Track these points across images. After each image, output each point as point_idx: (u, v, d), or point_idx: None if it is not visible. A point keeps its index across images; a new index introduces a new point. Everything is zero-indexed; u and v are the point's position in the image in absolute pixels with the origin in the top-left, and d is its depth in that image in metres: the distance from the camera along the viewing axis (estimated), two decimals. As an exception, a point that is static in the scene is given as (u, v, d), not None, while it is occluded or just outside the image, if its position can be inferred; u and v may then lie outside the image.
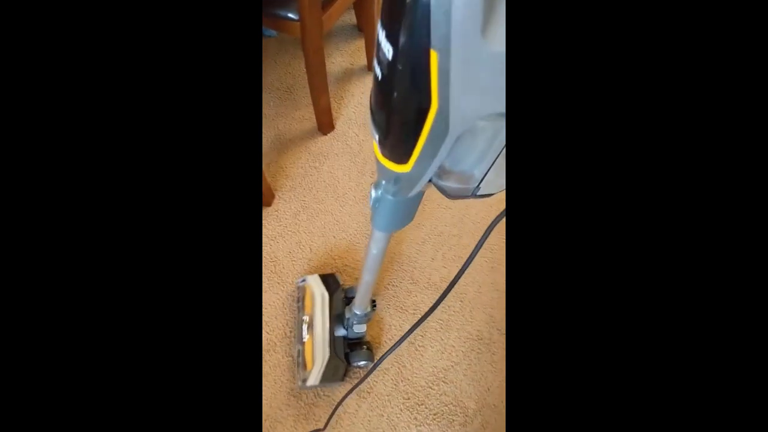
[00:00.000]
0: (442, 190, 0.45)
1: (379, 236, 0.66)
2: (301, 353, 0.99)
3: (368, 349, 1.02)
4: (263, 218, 1.27)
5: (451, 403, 1.01)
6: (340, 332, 1.02)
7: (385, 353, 0.70)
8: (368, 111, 0.41)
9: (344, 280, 1.15)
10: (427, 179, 0.42)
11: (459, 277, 0.50)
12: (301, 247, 1.23)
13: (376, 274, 0.80)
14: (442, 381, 1.03)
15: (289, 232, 1.25)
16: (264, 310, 1.11)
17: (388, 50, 0.31)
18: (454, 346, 1.08)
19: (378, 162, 0.47)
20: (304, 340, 1.00)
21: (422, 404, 1.00)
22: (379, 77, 0.34)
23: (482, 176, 0.40)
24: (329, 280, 1.10)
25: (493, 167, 0.39)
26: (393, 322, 1.11)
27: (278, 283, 1.16)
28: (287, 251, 1.22)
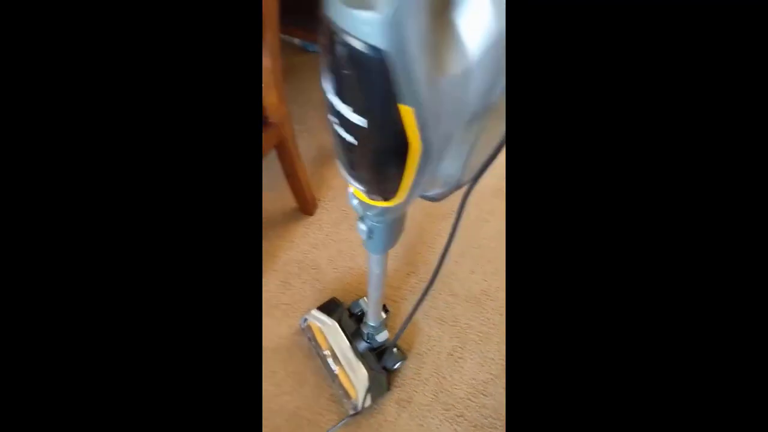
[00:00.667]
0: (430, 199, 0.47)
1: (378, 258, 0.68)
2: (339, 386, 0.98)
3: (398, 349, 1.02)
4: (306, 227, 1.31)
5: (491, 416, 0.99)
6: (363, 346, 1.01)
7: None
8: (340, 168, 0.42)
9: (346, 297, 1.15)
10: (415, 195, 0.43)
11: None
12: (342, 254, 1.25)
13: (382, 289, 0.82)
14: (482, 393, 1.02)
15: (331, 241, 1.27)
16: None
17: (360, 121, 0.31)
18: (494, 359, 1.07)
19: (363, 203, 0.48)
20: (336, 372, 0.99)
21: (462, 416, 1.00)
22: (355, 143, 0.34)
23: (462, 171, 0.41)
24: (330, 307, 1.08)
25: (470, 161, 0.41)
26: (432, 333, 1.11)
27: (320, 290, 1.18)
28: (328, 259, 1.24)
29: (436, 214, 1.34)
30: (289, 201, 1.33)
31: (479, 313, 1.15)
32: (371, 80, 0.28)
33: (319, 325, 1.05)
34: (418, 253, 1.26)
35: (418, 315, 1.14)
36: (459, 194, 0.47)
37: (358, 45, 0.26)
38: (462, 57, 0.29)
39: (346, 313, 1.08)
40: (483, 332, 1.11)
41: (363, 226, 0.55)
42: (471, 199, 0.43)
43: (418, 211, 1.34)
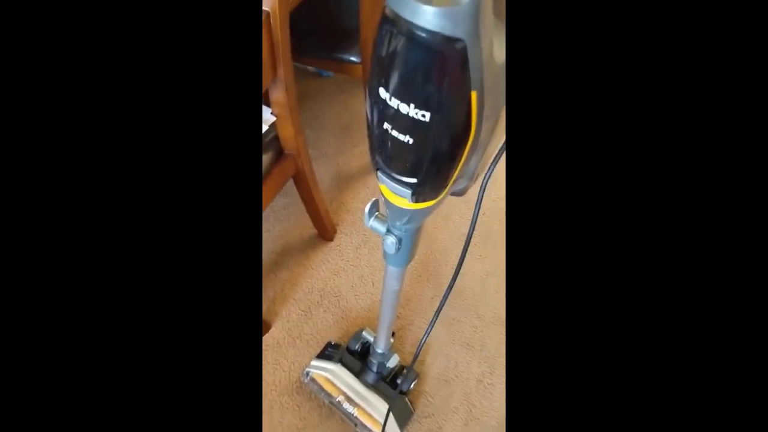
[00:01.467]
0: (456, 194, 0.47)
1: (398, 272, 0.68)
2: (363, 426, 0.94)
3: (406, 369, 0.99)
4: (326, 253, 1.29)
5: (526, 447, 0.95)
6: (373, 378, 0.98)
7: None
8: (384, 181, 0.43)
9: (371, 325, 1.11)
10: (460, 185, 0.46)
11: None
12: (363, 281, 1.23)
13: (394, 311, 0.80)
14: (515, 422, 0.98)
15: (351, 266, 1.26)
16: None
17: (423, 115, 0.33)
18: (525, 385, 1.02)
19: (394, 211, 0.50)
20: (355, 414, 0.95)
21: (495, 447, 0.95)
22: (412, 141, 0.35)
23: (480, 161, 0.42)
24: (328, 352, 1.05)
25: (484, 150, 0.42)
26: (460, 359, 1.08)
27: (342, 318, 1.16)
28: (350, 285, 1.22)
29: (458, 233, 1.32)
30: (308, 227, 1.32)
31: (507, 336, 1.11)
32: (448, 71, 0.30)
33: (323, 374, 1.01)
34: (443, 275, 1.24)
35: (444, 341, 1.11)
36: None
37: (437, 39, 0.28)
38: (503, 46, 0.32)
39: (346, 353, 1.04)
40: (512, 357, 1.07)
41: (391, 239, 0.56)
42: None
43: (440, 231, 1.32)
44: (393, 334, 0.99)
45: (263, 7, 0.68)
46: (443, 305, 0.63)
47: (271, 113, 0.90)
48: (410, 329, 1.14)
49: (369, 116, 0.38)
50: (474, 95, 0.31)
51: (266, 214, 1.39)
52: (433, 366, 1.07)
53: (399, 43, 0.30)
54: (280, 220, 1.39)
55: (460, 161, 0.38)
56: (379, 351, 0.94)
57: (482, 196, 0.45)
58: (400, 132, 0.35)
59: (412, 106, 0.32)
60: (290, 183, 1.12)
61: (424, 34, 0.28)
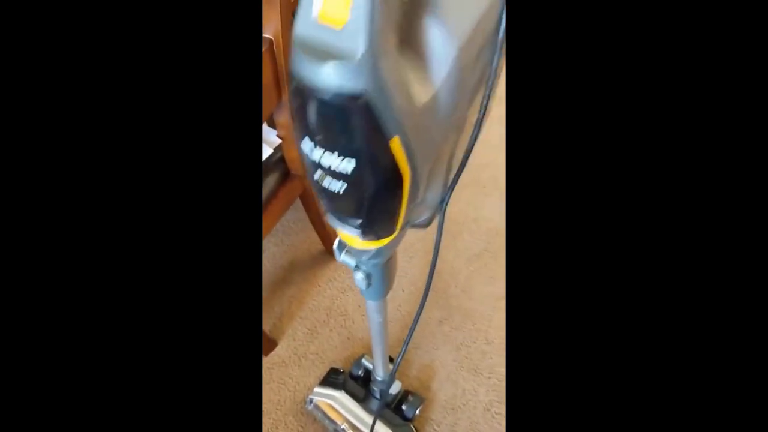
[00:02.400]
0: (419, 226, 0.46)
1: (377, 305, 0.66)
2: None
3: (411, 395, 0.97)
4: (333, 270, 1.28)
5: (534, 483, 0.92)
6: (378, 405, 0.96)
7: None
8: (331, 221, 0.43)
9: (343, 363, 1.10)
10: (403, 225, 0.43)
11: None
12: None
13: (386, 338, 0.78)
14: (523, 456, 0.95)
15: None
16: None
17: (348, 163, 0.32)
18: (534, 417, 0.99)
19: (355, 250, 0.49)
20: None
21: (501, 481, 0.93)
22: (341, 191, 0.35)
23: (444, 191, 0.42)
24: (331, 379, 1.03)
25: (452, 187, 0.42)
26: (467, 386, 1.05)
27: (348, 338, 1.14)
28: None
29: (467, 252, 1.29)
30: (316, 243, 1.31)
31: (517, 363, 1.08)
32: (358, 123, 0.29)
33: (326, 401, 0.99)
34: (452, 296, 1.21)
35: (452, 366, 1.08)
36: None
37: (338, 96, 0.27)
38: (429, 83, 0.30)
39: (349, 380, 1.02)
40: (522, 385, 1.04)
41: (359, 275, 0.54)
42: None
43: (448, 251, 1.29)
44: (391, 360, 0.98)
45: (267, 35, 0.67)
46: (420, 312, 0.61)
47: (277, 135, 0.89)
48: (417, 353, 1.11)
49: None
50: (397, 140, 0.30)
51: (275, 229, 1.38)
52: (440, 392, 1.05)
53: (305, 100, 0.29)
54: (289, 234, 1.38)
55: (402, 202, 0.37)
56: (379, 378, 0.92)
57: (442, 221, 0.45)
58: (332, 180, 0.34)
59: (335, 155, 0.31)
60: (299, 203, 1.11)
61: (323, 94, 0.28)
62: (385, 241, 0.43)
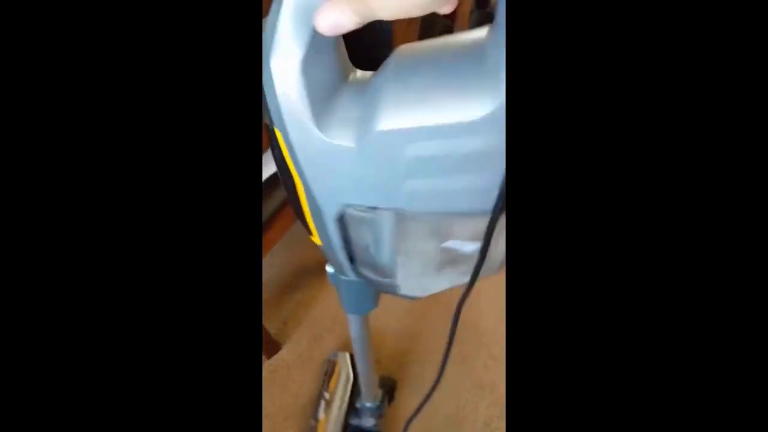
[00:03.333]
0: (368, 282, 0.43)
1: (351, 318, 0.63)
2: (312, 430, 0.95)
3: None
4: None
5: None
6: (355, 420, 0.96)
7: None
8: None
9: (383, 365, 1.11)
10: (343, 260, 0.41)
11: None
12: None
13: (367, 361, 0.76)
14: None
15: (366, 294, 1.25)
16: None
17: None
18: (536, 434, 0.98)
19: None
20: (319, 418, 0.96)
21: (499, 498, 0.91)
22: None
23: (392, 270, 0.38)
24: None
25: (399, 265, 0.37)
26: (469, 399, 1.04)
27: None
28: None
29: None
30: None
31: (521, 379, 1.07)
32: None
33: (341, 369, 1.02)
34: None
35: (455, 379, 1.08)
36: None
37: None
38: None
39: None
40: (524, 402, 1.03)
41: (329, 269, 0.51)
42: None
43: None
44: (391, 398, 1.00)
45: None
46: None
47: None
48: (421, 363, 1.11)
49: None
50: (278, 133, 0.32)
51: (285, 235, 1.41)
52: (443, 404, 1.04)
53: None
54: (299, 241, 1.40)
55: (303, 210, 0.37)
56: (365, 403, 0.93)
57: (458, 318, 0.41)
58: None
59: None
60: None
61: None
62: (314, 239, 0.42)
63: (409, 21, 1.16)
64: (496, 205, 0.29)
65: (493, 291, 1.24)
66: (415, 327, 1.18)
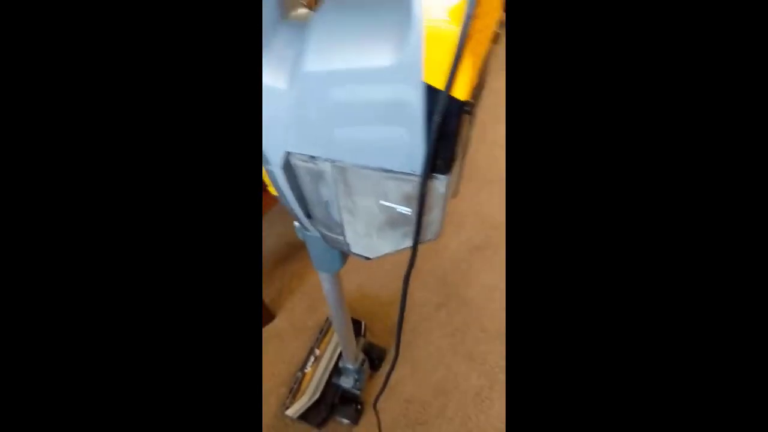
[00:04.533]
0: (324, 238, 0.44)
1: (321, 276, 0.64)
2: (298, 380, 1.00)
3: (357, 410, 0.98)
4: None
5: (518, 467, 0.93)
6: (339, 380, 1.00)
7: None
8: None
9: (374, 333, 1.14)
10: (299, 213, 0.42)
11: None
12: (372, 281, 1.23)
13: (342, 322, 0.76)
14: (509, 440, 0.97)
15: (361, 266, 1.26)
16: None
17: None
18: (523, 404, 1.01)
19: None
20: (306, 370, 1.01)
21: (486, 463, 0.94)
22: None
23: (341, 227, 0.39)
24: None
25: (345, 223, 0.38)
26: (460, 370, 1.07)
27: (346, 316, 1.16)
28: (358, 284, 1.22)
29: (469, 244, 1.31)
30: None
31: (510, 352, 1.09)
32: None
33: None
34: (451, 284, 1.23)
35: (446, 350, 1.10)
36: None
37: None
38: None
39: (361, 344, 1.05)
40: (513, 373, 1.06)
41: (295, 223, 0.52)
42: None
43: (451, 240, 1.31)
44: (374, 366, 1.03)
45: None
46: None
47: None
48: (412, 335, 1.13)
49: None
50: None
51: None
52: (433, 374, 1.06)
53: None
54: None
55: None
56: (347, 365, 0.95)
57: (406, 288, 0.42)
58: None
59: None
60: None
61: None
62: (271, 190, 0.42)
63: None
64: (423, 172, 0.29)
65: (485, 266, 1.26)
66: (408, 297, 1.20)
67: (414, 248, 0.36)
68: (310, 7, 0.34)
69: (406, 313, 1.17)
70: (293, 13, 0.33)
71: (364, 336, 1.09)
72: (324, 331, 1.07)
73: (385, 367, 1.07)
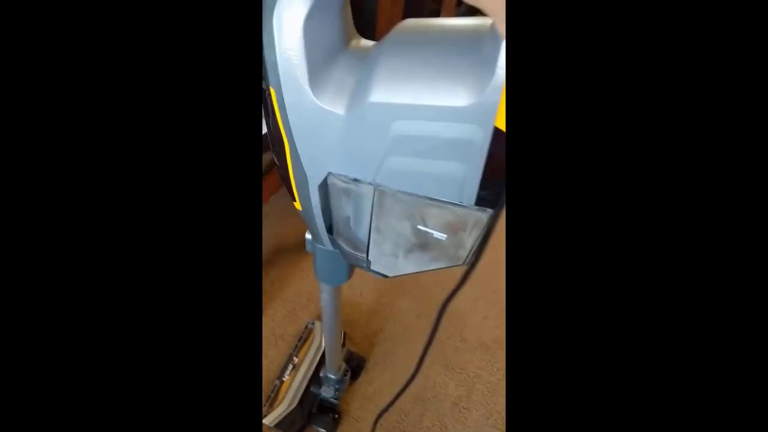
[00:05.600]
0: (342, 253, 0.44)
1: (322, 286, 0.64)
2: (276, 389, 1.00)
3: (334, 419, 0.98)
4: (319, 257, 1.29)
5: (494, 477, 0.94)
6: (316, 388, 1.00)
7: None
8: None
9: (354, 341, 1.14)
10: (321, 228, 0.42)
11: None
12: (352, 289, 1.23)
13: (333, 332, 0.78)
14: (486, 450, 0.97)
15: (342, 274, 1.26)
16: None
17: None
18: (501, 413, 1.01)
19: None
20: (284, 378, 1.01)
21: (462, 473, 0.94)
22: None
23: (366, 245, 0.39)
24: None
25: (372, 241, 0.39)
26: (438, 379, 1.07)
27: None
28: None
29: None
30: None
31: (489, 362, 1.10)
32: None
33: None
34: (433, 293, 1.23)
35: (426, 359, 1.10)
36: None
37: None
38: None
39: (343, 353, 1.06)
40: (491, 383, 1.06)
41: (307, 235, 0.51)
42: (491, 241, 0.39)
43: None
44: (354, 376, 1.04)
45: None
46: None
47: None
48: (392, 344, 1.13)
49: None
50: (272, 92, 0.32)
51: (265, 211, 1.40)
52: (412, 384, 1.06)
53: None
54: (278, 218, 1.39)
55: (288, 169, 0.37)
56: (328, 374, 0.95)
57: (439, 319, 0.42)
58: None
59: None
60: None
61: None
62: (296, 205, 0.43)
63: None
64: (498, 205, 0.30)
65: (469, 280, 1.26)
66: (389, 306, 1.20)
67: (462, 281, 0.37)
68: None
69: (384, 323, 1.17)
70: (354, 42, 0.33)
71: (344, 345, 1.09)
72: (303, 338, 1.07)
73: (370, 375, 1.07)
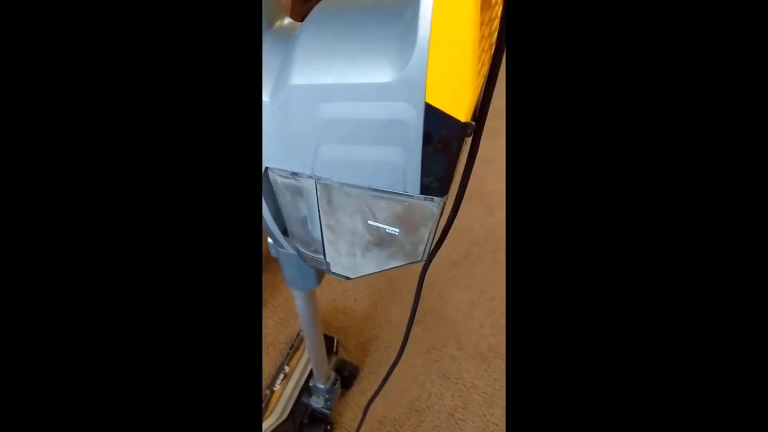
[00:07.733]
0: (301, 256, 0.43)
1: (295, 293, 0.62)
2: (266, 399, 0.96)
3: (326, 430, 0.94)
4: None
5: (490, 491, 0.91)
6: (306, 398, 0.97)
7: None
8: None
9: (348, 349, 1.11)
10: (274, 229, 0.41)
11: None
12: (346, 295, 1.20)
13: (314, 340, 0.75)
14: (482, 463, 0.94)
15: (336, 280, 1.23)
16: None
17: None
18: (497, 425, 0.98)
19: None
20: (275, 388, 0.98)
21: (458, 487, 0.91)
22: None
23: (321, 246, 0.38)
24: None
25: (326, 241, 0.37)
26: (434, 389, 1.04)
27: (319, 331, 1.13)
28: (331, 299, 1.20)
29: (447, 259, 1.29)
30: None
31: (485, 372, 1.07)
32: None
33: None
34: (428, 300, 1.20)
35: (420, 368, 1.07)
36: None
37: None
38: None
39: (333, 362, 1.02)
40: (488, 393, 1.04)
41: (270, 239, 0.49)
42: (487, 247, 0.37)
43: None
44: (346, 385, 1.01)
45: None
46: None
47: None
48: (386, 352, 1.10)
49: None
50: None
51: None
52: (406, 393, 1.03)
53: None
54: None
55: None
56: (317, 384, 0.92)
57: (420, 287, 0.42)
58: None
59: None
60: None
61: None
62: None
63: None
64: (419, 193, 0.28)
65: (463, 282, 1.24)
66: (384, 313, 1.17)
67: (423, 273, 0.36)
68: (294, 17, 0.32)
69: (379, 330, 1.14)
70: (278, 23, 0.31)
71: (336, 353, 1.06)
72: (294, 346, 1.04)
73: (364, 385, 1.04)
